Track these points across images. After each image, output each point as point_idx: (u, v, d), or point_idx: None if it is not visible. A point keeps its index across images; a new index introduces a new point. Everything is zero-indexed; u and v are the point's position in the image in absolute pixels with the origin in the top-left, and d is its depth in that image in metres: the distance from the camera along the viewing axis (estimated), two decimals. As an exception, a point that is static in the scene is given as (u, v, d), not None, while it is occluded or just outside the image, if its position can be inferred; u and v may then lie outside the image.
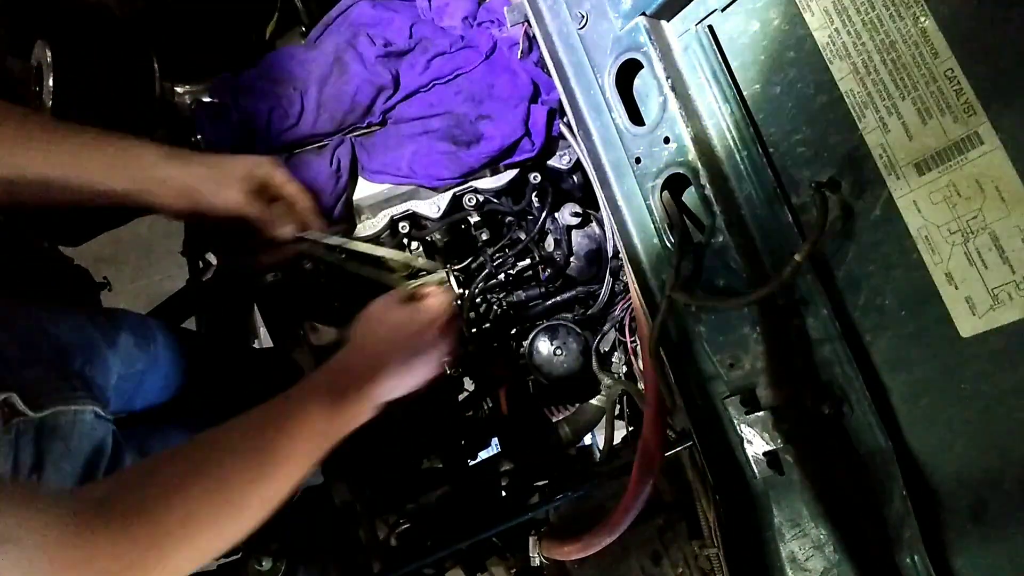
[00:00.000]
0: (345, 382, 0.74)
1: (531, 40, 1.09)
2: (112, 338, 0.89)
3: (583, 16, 0.80)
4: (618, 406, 1.22)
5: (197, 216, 0.87)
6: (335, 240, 0.93)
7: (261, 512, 0.62)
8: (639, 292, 0.81)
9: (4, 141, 0.78)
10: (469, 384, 1.26)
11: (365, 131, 1.09)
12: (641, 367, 1.06)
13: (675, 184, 0.74)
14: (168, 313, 1.20)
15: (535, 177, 1.10)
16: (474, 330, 1.14)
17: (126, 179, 0.83)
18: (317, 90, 1.04)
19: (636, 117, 0.77)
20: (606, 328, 1.20)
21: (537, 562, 1.05)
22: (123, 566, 0.49)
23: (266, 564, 0.98)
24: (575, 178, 1.14)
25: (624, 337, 1.16)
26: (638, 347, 1.08)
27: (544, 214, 1.11)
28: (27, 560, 0.44)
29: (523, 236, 1.13)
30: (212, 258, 1.09)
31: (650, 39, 0.72)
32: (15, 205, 0.84)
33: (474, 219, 1.11)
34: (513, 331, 1.21)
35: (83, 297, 1.11)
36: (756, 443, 0.72)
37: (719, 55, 0.70)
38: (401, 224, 1.08)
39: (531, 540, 1.05)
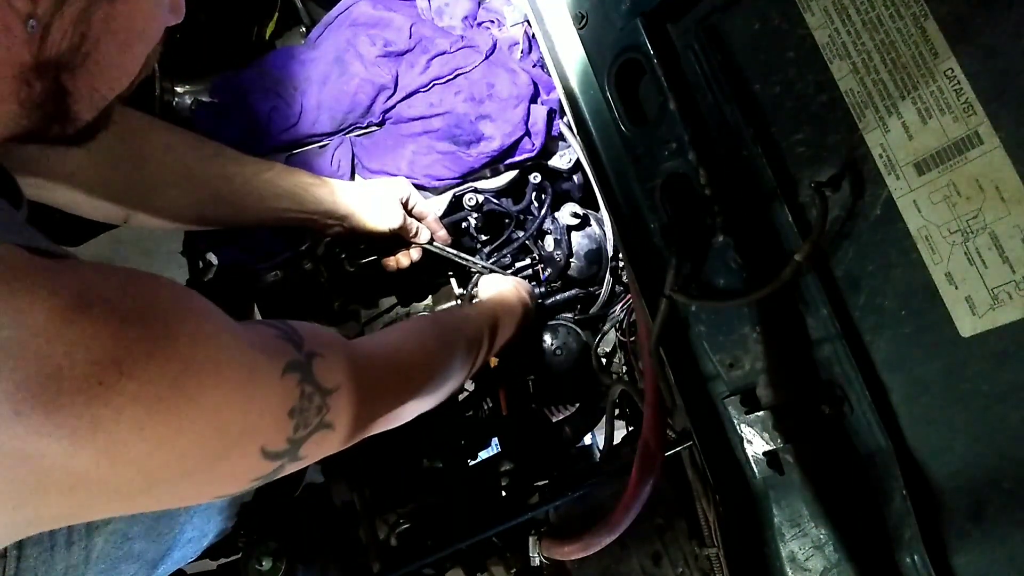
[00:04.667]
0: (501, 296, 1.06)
1: (531, 40, 1.09)
2: None
3: (583, 16, 0.80)
4: (618, 406, 1.22)
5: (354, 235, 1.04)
6: (450, 250, 1.12)
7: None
8: (639, 292, 0.81)
9: (212, 159, 0.90)
10: (469, 384, 1.26)
11: (365, 131, 1.09)
12: (641, 367, 1.06)
13: (675, 184, 0.74)
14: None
15: (535, 177, 1.10)
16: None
17: (310, 208, 0.97)
18: (317, 90, 1.04)
19: (636, 117, 0.77)
20: (606, 328, 1.20)
21: (537, 562, 1.05)
22: (388, 411, 0.70)
23: (266, 564, 0.98)
24: (575, 178, 1.14)
25: (624, 337, 1.16)
26: (638, 347, 1.08)
27: (544, 214, 1.11)
28: (349, 404, 0.60)
29: (522, 236, 1.13)
30: (212, 258, 1.09)
31: (650, 39, 0.72)
32: (202, 222, 0.96)
33: (474, 219, 1.11)
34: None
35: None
36: (756, 443, 0.72)
37: (719, 55, 0.70)
38: (401, 224, 1.08)
39: (531, 540, 1.05)
